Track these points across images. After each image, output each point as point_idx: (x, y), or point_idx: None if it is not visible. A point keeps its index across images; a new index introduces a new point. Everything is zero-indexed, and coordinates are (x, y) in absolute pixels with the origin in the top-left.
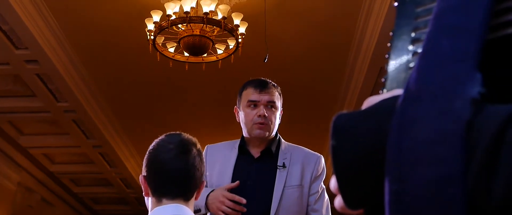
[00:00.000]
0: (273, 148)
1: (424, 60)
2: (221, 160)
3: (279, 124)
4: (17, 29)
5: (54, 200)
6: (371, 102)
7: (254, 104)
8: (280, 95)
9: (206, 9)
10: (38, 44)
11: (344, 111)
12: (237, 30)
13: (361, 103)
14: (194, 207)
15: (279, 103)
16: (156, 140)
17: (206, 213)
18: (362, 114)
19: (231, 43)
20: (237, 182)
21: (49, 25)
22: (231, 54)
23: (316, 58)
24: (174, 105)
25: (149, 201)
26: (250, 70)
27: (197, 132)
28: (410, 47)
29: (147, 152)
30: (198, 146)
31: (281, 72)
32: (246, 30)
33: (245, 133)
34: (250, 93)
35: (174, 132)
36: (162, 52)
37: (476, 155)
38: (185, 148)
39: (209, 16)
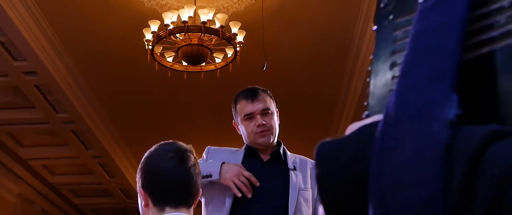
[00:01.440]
0: (281, 152)
1: (401, 83)
2: (226, 160)
3: (279, 125)
4: (15, 40)
5: (54, 211)
6: (353, 128)
7: (250, 116)
8: (271, 98)
9: (204, 18)
10: (36, 56)
11: (327, 139)
12: (235, 38)
13: (361, 110)
14: (202, 173)
15: (273, 107)
16: (151, 150)
17: (214, 179)
18: (344, 141)
19: (229, 52)
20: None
21: (47, 37)
22: (229, 63)
23: (315, 65)
24: (173, 114)
25: (144, 211)
26: (249, 79)
27: (197, 141)
28: (390, 71)
29: (143, 162)
30: (194, 153)
31: (280, 79)
32: (244, 39)
33: (248, 143)
34: (244, 107)
35: (168, 141)
36: (161, 62)
37: (455, 177)
38: (184, 155)
39: (207, 25)
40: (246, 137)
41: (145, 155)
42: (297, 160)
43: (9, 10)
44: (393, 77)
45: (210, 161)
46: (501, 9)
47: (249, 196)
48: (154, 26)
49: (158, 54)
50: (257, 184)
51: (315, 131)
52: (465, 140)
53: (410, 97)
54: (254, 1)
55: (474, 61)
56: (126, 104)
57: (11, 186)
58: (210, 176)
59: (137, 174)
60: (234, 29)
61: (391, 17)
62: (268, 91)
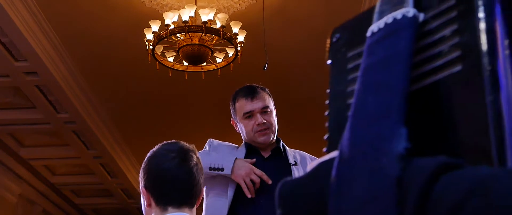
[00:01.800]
0: (281, 148)
1: (353, 120)
2: (225, 152)
3: (278, 123)
4: (16, 41)
5: (56, 211)
6: (314, 165)
7: (250, 114)
8: (270, 96)
9: (204, 18)
10: (37, 56)
11: (288, 179)
12: (236, 38)
13: None
14: (212, 164)
15: (272, 105)
16: (153, 150)
17: (225, 174)
18: (304, 181)
19: (230, 52)
20: (254, 160)
21: (48, 37)
22: (230, 63)
23: (316, 66)
24: (174, 114)
25: (147, 211)
26: (250, 79)
27: (198, 140)
28: (346, 105)
29: (146, 162)
30: (197, 153)
31: (281, 80)
32: (245, 39)
33: (247, 141)
34: (243, 105)
35: (170, 141)
36: (161, 62)
37: (406, 210)
38: (187, 155)
39: (208, 25)
40: (245, 135)
41: (148, 154)
42: (297, 155)
43: (10, 10)
44: (348, 110)
45: (221, 154)
46: (443, 39)
47: (252, 196)
48: (155, 26)
49: (159, 54)
50: (269, 181)
51: (316, 131)
52: (415, 173)
53: (361, 134)
54: (255, 1)
55: (422, 92)
56: (127, 104)
57: (12, 186)
58: (222, 169)
59: (140, 174)
60: (235, 29)
61: (343, 50)
62: (266, 89)
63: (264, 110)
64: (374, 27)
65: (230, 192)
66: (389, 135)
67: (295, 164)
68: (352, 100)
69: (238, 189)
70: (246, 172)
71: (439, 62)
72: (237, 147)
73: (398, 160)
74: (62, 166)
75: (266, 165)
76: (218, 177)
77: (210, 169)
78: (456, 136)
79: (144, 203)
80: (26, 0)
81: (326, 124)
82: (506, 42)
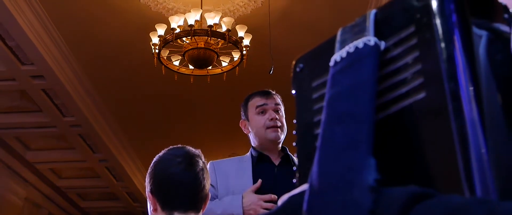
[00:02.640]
0: (290, 156)
1: (320, 153)
2: (233, 173)
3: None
4: (23, 45)
5: None
6: (284, 199)
7: (263, 109)
8: (282, 102)
9: (210, 22)
10: (43, 60)
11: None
12: (242, 42)
13: None
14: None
15: (283, 110)
16: (160, 155)
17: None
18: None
19: (236, 55)
20: (259, 181)
21: (54, 41)
22: (235, 66)
23: None
24: (179, 118)
25: None
26: (255, 82)
27: (203, 144)
28: (313, 136)
29: (152, 167)
30: (203, 158)
31: (287, 83)
32: (250, 42)
33: (257, 142)
34: (257, 100)
35: (177, 146)
36: (167, 66)
37: None
38: (193, 160)
39: (214, 28)
40: (255, 132)
41: (154, 159)
42: None
43: (17, 15)
44: (315, 140)
45: (225, 198)
46: (406, 66)
47: None
48: (161, 30)
49: (165, 58)
50: (275, 198)
51: None
52: (388, 205)
53: (330, 166)
54: (261, 5)
55: (388, 120)
56: (133, 108)
57: (18, 190)
58: None
59: (146, 179)
60: (241, 33)
61: (307, 80)
62: (280, 96)
63: (277, 108)
64: (336, 56)
65: (246, 175)
66: (359, 167)
67: None
68: (319, 131)
69: None
70: (257, 204)
71: (403, 89)
72: (243, 158)
73: (369, 192)
74: (68, 169)
75: (278, 173)
76: (225, 169)
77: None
78: (424, 164)
79: (150, 208)
80: (32, 4)
81: (295, 154)
82: (467, 66)
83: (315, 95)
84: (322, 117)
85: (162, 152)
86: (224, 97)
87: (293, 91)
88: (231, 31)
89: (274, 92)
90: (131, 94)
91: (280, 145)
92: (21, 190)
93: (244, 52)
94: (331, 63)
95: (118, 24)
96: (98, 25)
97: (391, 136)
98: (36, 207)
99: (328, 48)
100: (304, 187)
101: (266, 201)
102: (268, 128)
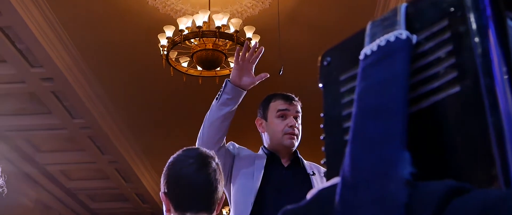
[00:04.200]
0: (300, 158)
1: (353, 145)
2: (247, 159)
3: None
4: (32, 48)
5: None
6: (314, 192)
7: (284, 114)
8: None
9: (218, 23)
10: (53, 62)
11: (289, 207)
12: (249, 43)
13: None
14: (217, 98)
15: (300, 118)
16: (174, 156)
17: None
18: (305, 208)
19: None
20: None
21: (63, 43)
22: None
23: None
24: (188, 119)
25: None
26: (262, 83)
27: None
28: (342, 129)
29: (166, 168)
30: (216, 159)
31: (294, 83)
32: (259, 43)
33: (270, 143)
34: (280, 104)
35: (191, 147)
36: (176, 67)
37: None
38: (205, 161)
39: (222, 30)
40: (272, 135)
41: (169, 160)
42: (313, 166)
43: (26, 17)
44: (345, 133)
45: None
46: (438, 60)
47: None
48: (169, 31)
49: (173, 59)
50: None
51: None
52: (424, 199)
53: (363, 160)
54: (268, 6)
55: (420, 114)
56: (142, 109)
57: (28, 192)
58: (233, 105)
59: (161, 180)
60: (249, 34)
61: (335, 73)
62: (301, 104)
63: (297, 115)
64: (366, 50)
65: (257, 174)
66: (393, 160)
67: (313, 174)
68: (348, 124)
69: (261, 200)
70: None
71: (436, 84)
72: (258, 154)
73: (404, 186)
74: (78, 171)
75: (286, 174)
76: (244, 160)
77: (217, 99)
78: (457, 158)
79: (164, 209)
80: (42, 7)
81: (323, 148)
82: (502, 60)
83: (343, 89)
84: (353, 110)
85: (177, 153)
86: None
87: (320, 85)
88: (239, 32)
89: (296, 99)
90: (140, 96)
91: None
92: (31, 191)
93: None
94: (361, 56)
95: (127, 26)
96: (107, 27)
97: (424, 130)
98: (47, 208)
99: (357, 42)
100: (334, 180)
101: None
102: (285, 134)
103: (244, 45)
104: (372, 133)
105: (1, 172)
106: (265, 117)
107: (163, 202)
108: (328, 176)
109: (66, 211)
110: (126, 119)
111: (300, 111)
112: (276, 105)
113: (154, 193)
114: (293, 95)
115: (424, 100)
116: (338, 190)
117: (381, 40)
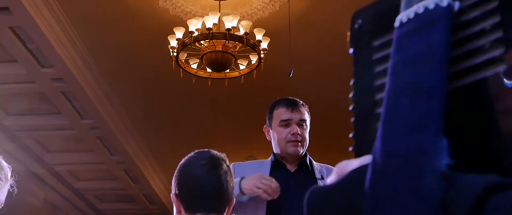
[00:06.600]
0: (308, 162)
1: (385, 127)
2: (249, 171)
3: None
4: (43, 48)
5: None
6: (342, 169)
7: (286, 123)
8: (308, 113)
9: (228, 25)
10: (63, 63)
11: (317, 186)
12: (259, 45)
13: None
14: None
15: (308, 122)
16: (186, 158)
17: (236, 196)
18: (333, 191)
19: (254, 59)
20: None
21: (74, 44)
22: (253, 70)
23: (341, 71)
24: (197, 121)
25: None
26: (273, 85)
27: (220, 147)
28: (372, 100)
29: (177, 170)
30: (227, 161)
31: (304, 86)
32: (268, 45)
33: (277, 151)
34: (282, 113)
35: (202, 149)
36: (185, 69)
37: None
38: (216, 163)
39: (232, 32)
40: (276, 143)
41: (180, 162)
42: (324, 169)
43: (37, 18)
44: (376, 106)
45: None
46: (483, 32)
47: (276, 196)
48: (179, 33)
49: (183, 61)
50: (278, 190)
51: (342, 139)
52: (462, 194)
53: (396, 146)
54: (278, 8)
55: (458, 92)
56: (150, 110)
57: (37, 191)
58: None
59: (172, 182)
60: (259, 36)
61: (367, 39)
62: (307, 107)
63: (301, 123)
64: (402, 16)
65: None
66: (429, 149)
67: (322, 178)
68: (380, 96)
69: (268, 212)
70: (254, 182)
71: (479, 59)
72: (263, 162)
73: (441, 179)
74: (86, 171)
75: (292, 180)
76: (248, 205)
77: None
78: (500, 146)
79: (175, 211)
80: (52, 8)
81: (352, 119)
82: None
83: (376, 56)
84: (387, 85)
85: (188, 155)
86: (242, 100)
87: (351, 50)
88: (249, 34)
89: (301, 103)
90: (149, 97)
91: (303, 153)
92: (39, 191)
93: (262, 55)
94: (396, 24)
95: (137, 27)
96: (117, 29)
97: (462, 112)
98: (55, 208)
99: (392, 5)
100: (364, 160)
101: (269, 182)
102: (289, 141)
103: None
104: (406, 114)
105: (12, 171)
106: (270, 125)
107: (174, 204)
108: (356, 152)
109: (74, 211)
110: (135, 120)
111: (306, 115)
112: (279, 114)
113: (162, 194)
114: (297, 100)
115: (464, 78)
116: (368, 174)
117: (418, 7)
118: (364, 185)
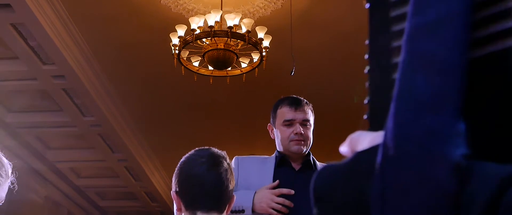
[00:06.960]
0: (311, 160)
1: (398, 104)
2: (255, 172)
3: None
4: (44, 45)
5: (81, 214)
6: (354, 141)
7: (290, 123)
8: (312, 112)
9: (230, 23)
10: (65, 60)
11: (325, 165)
12: (261, 43)
13: None
14: (234, 207)
15: (312, 121)
16: (186, 155)
17: (250, 214)
18: (341, 174)
19: (255, 57)
20: (277, 181)
21: (75, 41)
22: (255, 68)
23: (342, 70)
24: (199, 119)
25: None
26: (275, 83)
27: (223, 145)
28: (389, 62)
29: (178, 167)
30: (228, 159)
31: (306, 84)
32: (270, 43)
33: (280, 149)
34: (286, 112)
35: (203, 147)
36: (187, 66)
37: None
38: (217, 161)
39: (233, 30)
40: (280, 142)
41: (181, 160)
42: None
43: (39, 15)
44: (394, 70)
45: (239, 191)
46: None
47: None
48: (181, 30)
49: (185, 58)
50: (291, 205)
51: (344, 138)
52: (477, 185)
53: (408, 127)
54: (280, 6)
55: (484, 62)
56: (152, 108)
57: (38, 189)
58: (243, 211)
59: (172, 179)
60: (260, 34)
61: None
62: (311, 105)
63: (304, 123)
64: None
65: (267, 177)
66: (443, 134)
67: None
68: (398, 60)
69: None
70: (267, 202)
71: (506, 24)
72: (267, 158)
73: (455, 171)
74: (88, 168)
75: (297, 178)
76: (249, 168)
77: (232, 212)
78: None
79: (175, 208)
80: (54, 5)
81: (367, 84)
82: None
83: (394, 13)
84: (401, 55)
85: (189, 152)
86: (243, 98)
87: (367, 5)
88: (251, 32)
89: (305, 102)
90: (151, 94)
91: (308, 150)
92: (41, 189)
93: (264, 53)
94: None
95: (139, 25)
96: (119, 26)
97: (487, 86)
98: (56, 205)
99: None
100: (376, 137)
101: (282, 195)
102: (291, 140)
103: None
104: (421, 90)
105: (12, 168)
106: (274, 124)
107: (174, 201)
108: (371, 121)
109: (75, 209)
110: (137, 117)
111: (310, 115)
112: (282, 113)
113: (163, 192)
114: (301, 99)
115: (489, 45)
116: (379, 157)
117: None
118: (372, 170)
